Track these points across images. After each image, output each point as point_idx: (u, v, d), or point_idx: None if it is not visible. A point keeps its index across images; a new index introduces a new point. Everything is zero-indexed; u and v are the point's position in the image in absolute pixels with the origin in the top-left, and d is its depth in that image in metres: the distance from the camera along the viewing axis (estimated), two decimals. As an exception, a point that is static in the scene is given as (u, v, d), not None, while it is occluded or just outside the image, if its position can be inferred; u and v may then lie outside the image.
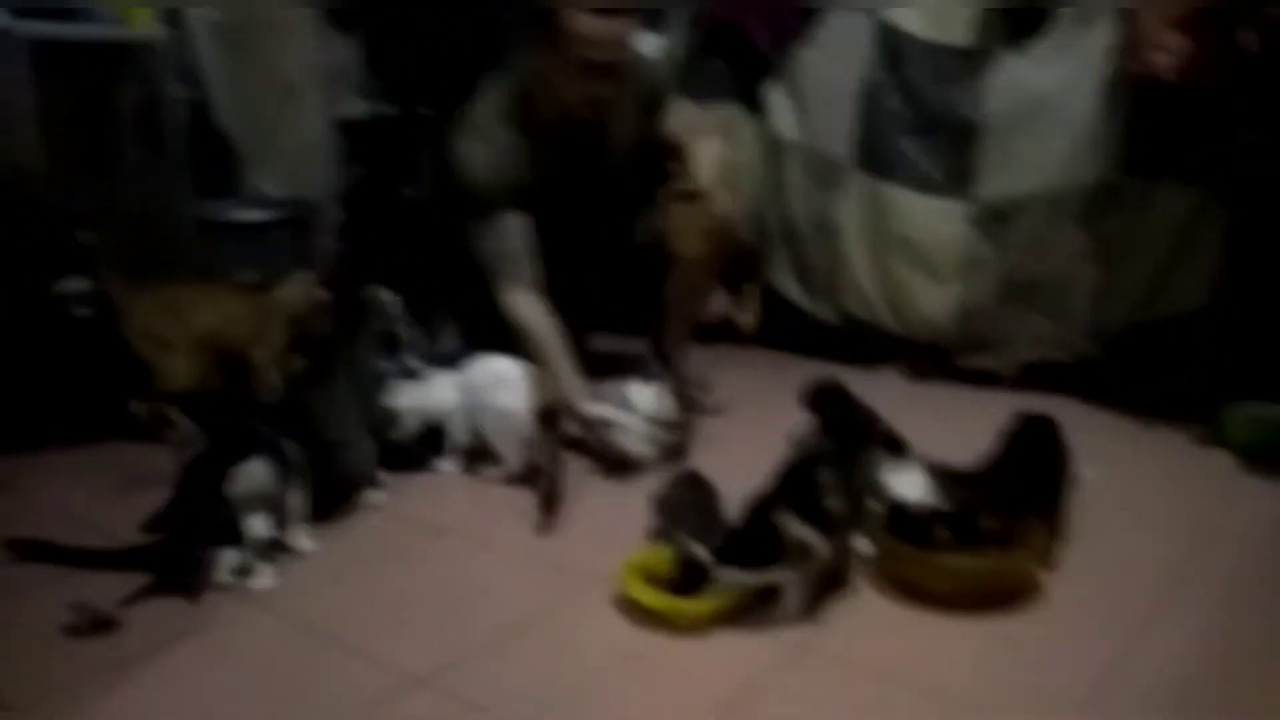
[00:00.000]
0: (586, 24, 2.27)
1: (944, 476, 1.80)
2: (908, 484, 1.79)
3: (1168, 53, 2.36)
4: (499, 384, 2.20)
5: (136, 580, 1.78)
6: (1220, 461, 2.30)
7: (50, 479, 2.31)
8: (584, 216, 2.57)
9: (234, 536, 1.79)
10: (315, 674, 1.54)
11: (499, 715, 1.43)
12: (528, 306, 2.40)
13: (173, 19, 3.22)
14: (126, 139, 2.93)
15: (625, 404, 2.27)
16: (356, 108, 3.98)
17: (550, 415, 2.15)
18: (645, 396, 2.27)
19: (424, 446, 2.31)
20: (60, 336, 2.48)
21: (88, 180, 2.78)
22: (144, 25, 3.06)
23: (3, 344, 2.46)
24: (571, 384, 2.32)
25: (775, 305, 3.19)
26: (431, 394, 2.30)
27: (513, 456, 2.19)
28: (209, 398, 2.10)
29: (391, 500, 2.15)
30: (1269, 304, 2.45)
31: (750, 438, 2.36)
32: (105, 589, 1.73)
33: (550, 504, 1.99)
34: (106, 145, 2.91)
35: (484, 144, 2.42)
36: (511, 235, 2.40)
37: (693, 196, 2.34)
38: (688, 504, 1.85)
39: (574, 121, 2.42)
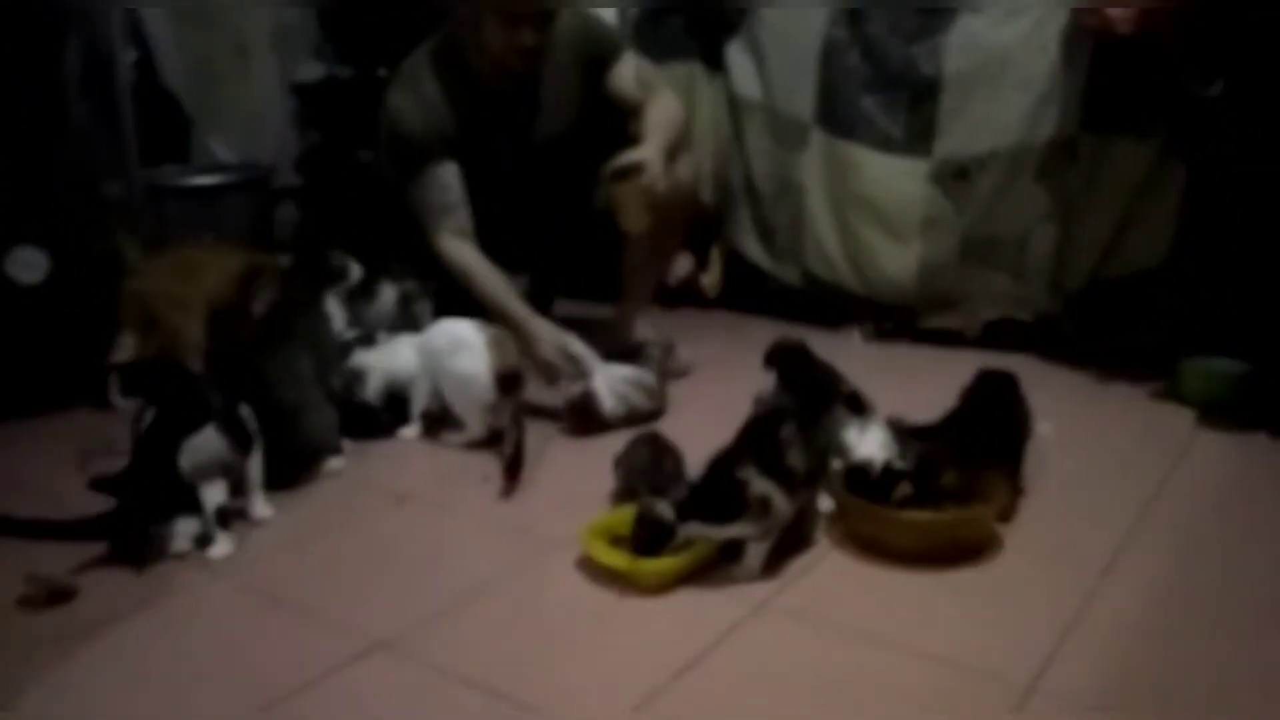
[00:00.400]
0: None
1: (905, 434, 1.81)
2: (870, 442, 1.80)
3: (1123, 5, 2.36)
4: (459, 348, 2.17)
5: (92, 550, 1.76)
6: (1177, 416, 2.33)
7: (6, 449, 2.27)
8: (534, 179, 2.54)
9: (191, 505, 1.77)
10: (273, 640, 1.53)
11: (461, 677, 1.42)
12: (462, 251, 2.38)
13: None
14: (71, 102, 2.85)
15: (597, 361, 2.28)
16: (311, 70, 3.90)
17: (511, 379, 2.13)
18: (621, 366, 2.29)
19: (387, 413, 2.29)
20: (11, 305, 2.43)
21: (33, 144, 2.70)
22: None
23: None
24: (525, 319, 2.31)
25: (737, 267, 3.18)
26: (394, 358, 2.28)
27: (474, 422, 2.17)
28: (161, 365, 2.05)
29: (352, 466, 2.13)
30: (1226, 259, 2.48)
31: (713, 399, 2.36)
32: (61, 559, 1.71)
33: (512, 469, 1.98)
34: (51, 108, 2.83)
35: (414, 94, 2.39)
36: (442, 185, 2.37)
37: (632, 171, 2.30)
38: (649, 464, 1.85)
39: (505, 72, 2.38)
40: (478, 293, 2.34)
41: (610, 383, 2.26)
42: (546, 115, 2.52)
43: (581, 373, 2.24)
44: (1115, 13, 2.37)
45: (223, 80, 3.59)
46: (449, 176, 2.37)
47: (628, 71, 2.54)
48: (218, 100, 3.54)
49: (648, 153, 2.31)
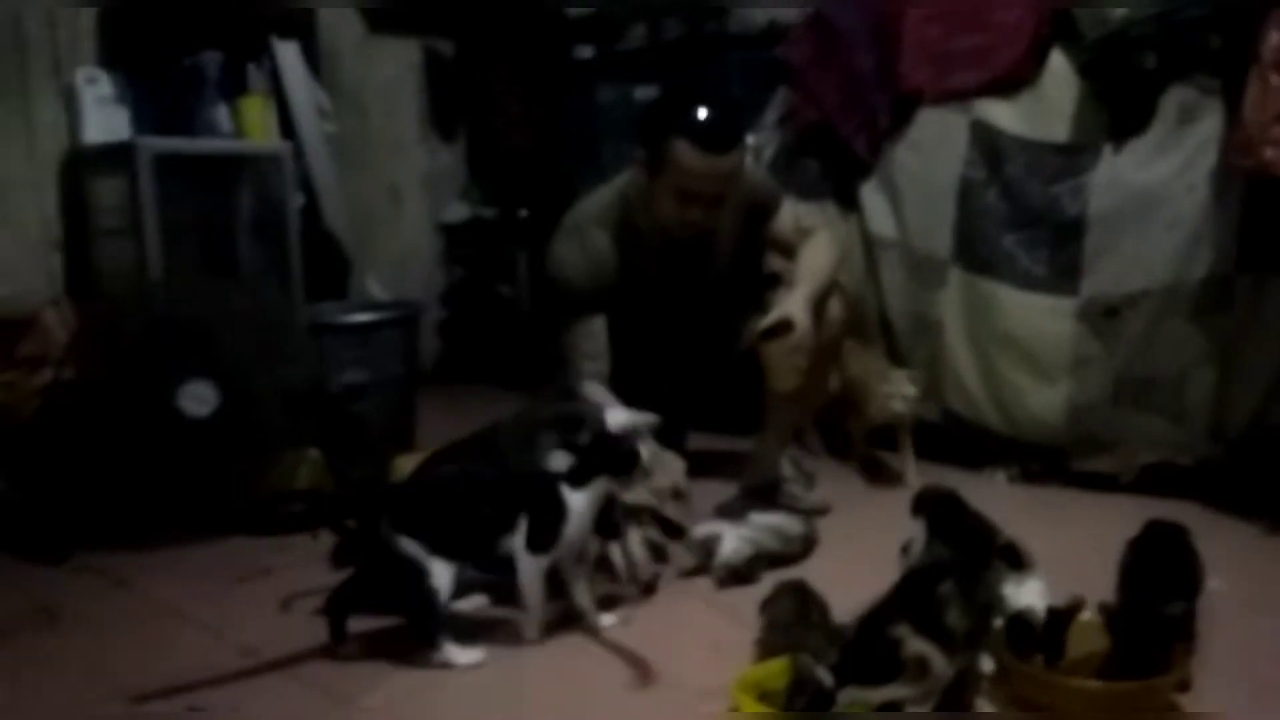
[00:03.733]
0: (692, 157, 2.28)
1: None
2: (1029, 592, 1.72)
3: (1277, 147, 2.30)
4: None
5: (255, 686, 1.80)
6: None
7: (167, 574, 2.38)
8: (684, 324, 2.59)
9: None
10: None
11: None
12: (597, 392, 2.40)
13: (287, 131, 3.39)
14: (244, 245, 3.07)
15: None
16: (457, 211, 4.12)
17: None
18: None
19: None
20: (179, 438, 2.58)
21: (206, 286, 2.90)
22: (263, 138, 3.24)
23: (125, 446, 2.56)
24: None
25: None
26: None
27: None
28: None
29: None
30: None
31: (854, 541, 2.33)
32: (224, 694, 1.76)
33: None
34: (224, 251, 3.06)
35: (580, 247, 2.46)
36: (592, 335, 2.43)
37: (780, 329, 2.31)
38: (794, 616, 1.81)
39: (669, 236, 2.45)
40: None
41: (738, 530, 2.23)
42: (708, 269, 2.57)
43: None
44: (1271, 155, 2.31)
45: (378, 222, 3.82)
46: (598, 327, 2.43)
47: (788, 218, 2.59)
48: (373, 240, 3.77)
49: (794, 308, 2.31)
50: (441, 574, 1.84)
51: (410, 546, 1.84)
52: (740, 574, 2.18)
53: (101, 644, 2.04)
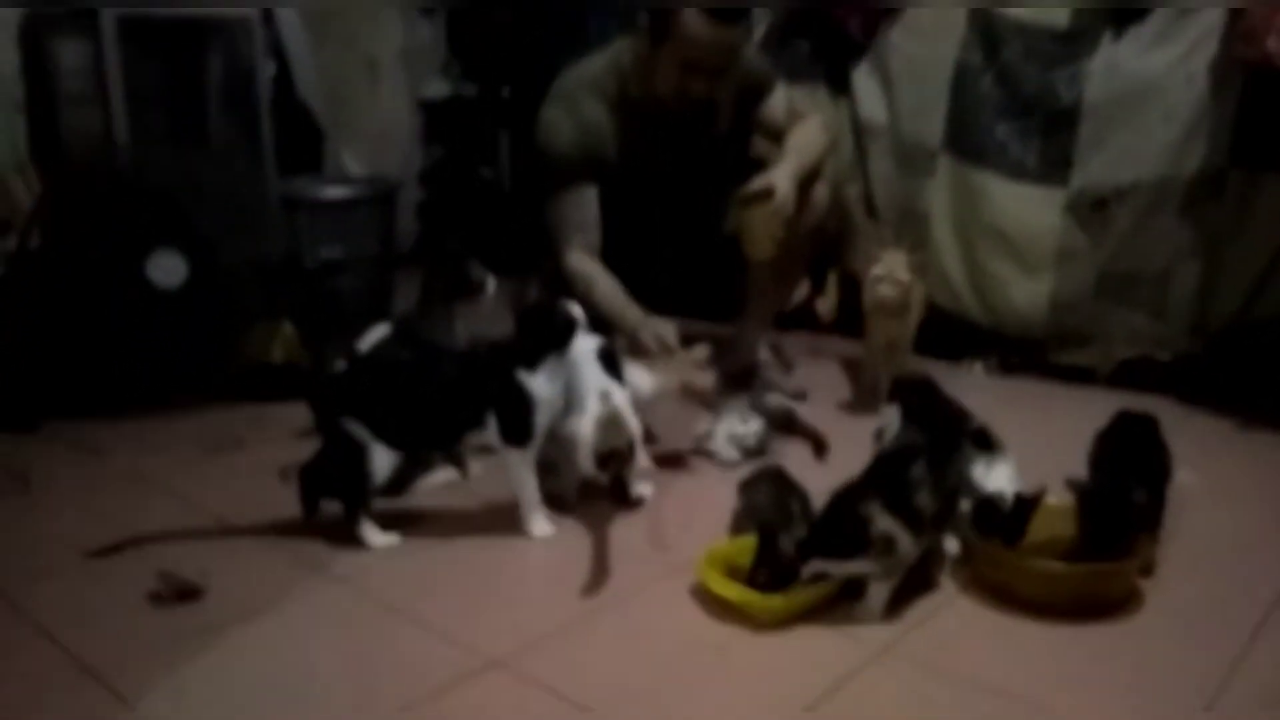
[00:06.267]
0: (700, 27, 2.24)
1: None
2: (998, 477, 1.72)
3: (1281, 38, 2.24)
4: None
5: (223, 551, 1.81)
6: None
7: (137, 443, 2.36)
8: (672, 200, 2.54)
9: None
10: (392, 652, 1.54)
11: (574, 701, 1.41)
12: (584, 263, 2.39)
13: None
14: (213, 115, 2.97)
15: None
16: (437, 88, 4.00)
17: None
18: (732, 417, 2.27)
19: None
20: (149, 308, 2.53)
21: (175, 155, 2.81)
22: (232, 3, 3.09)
23: (95, 315, 2.51)
24: (641, 321, 2.28)
25: (856, 293, 3.12)
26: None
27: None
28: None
29: (473, 482, 2.14)
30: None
31: (830, 427, 2.33)
32: (194, 558, 1.76)
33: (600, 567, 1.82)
34: (193, 121, 2.95)
35: (570, 114, 2.40)
36: (581, 204, 2.39)
37: (762, 197, 2.28)
38: (773, 503, 1.81)
39: (665, 109, 2.39)
40: (596, 298, 2.34)
41: (730, 429, 2.23)
42: (703, 144, 2.52)
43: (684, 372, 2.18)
44: (1275, 45, 2.25)
45: (354, 96, 3.70)
46: (589, 197, 2.39)
47: (779, 101, 2.53)
48: (349, 115, 3.65)
49: (778, 178, 2.29)
50: (380, 459, 1.83)
51: (353, 427, 1.83)
52: (751, 452, 2.21)
53: (70, 507, 2.05)
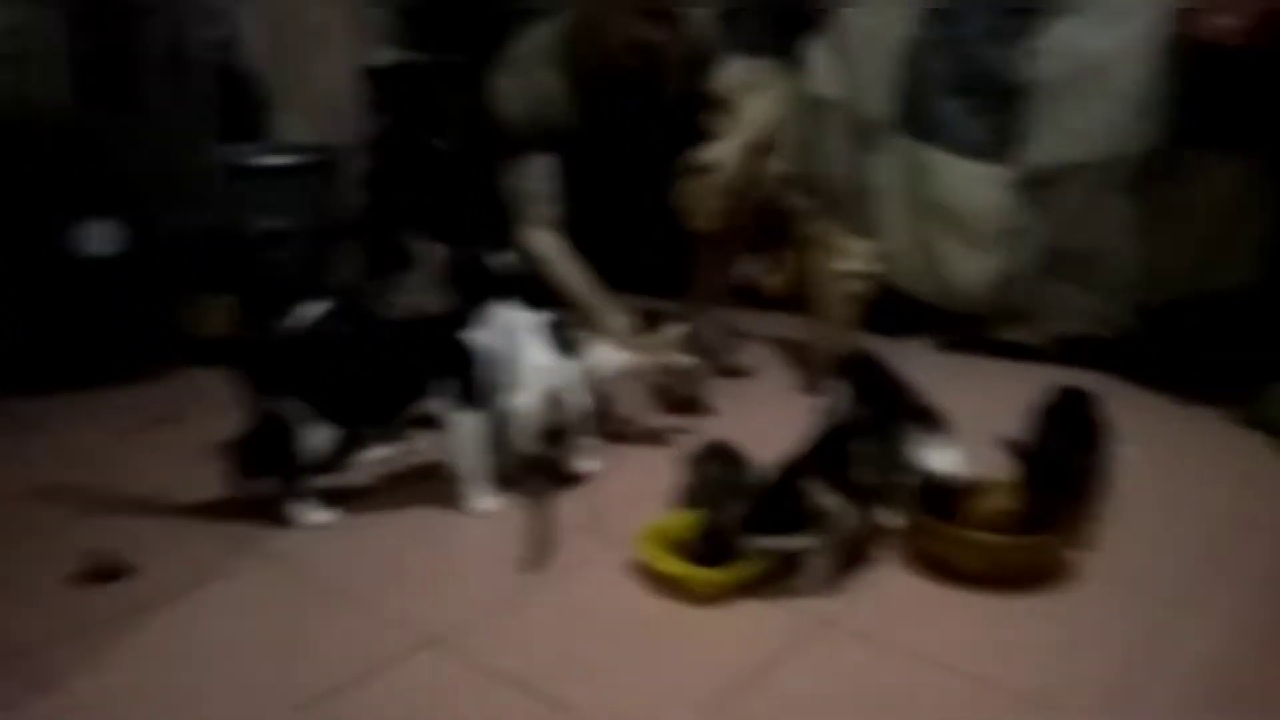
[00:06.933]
0: None
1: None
2: (941, 458, 1.74)
3: (1235, 15, 2.25)
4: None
5: (157, 528, 1.76)
6: (1259, 444, 2.22)
7: (72, 419, 2.30)
8: (622, 171, 2.51)
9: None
10: (326, 630, 1.52)
11: (506, 677, 1.40)
12: (544, 241, 2.37)
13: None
14: (151, 80, 2.88)
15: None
16: (385, 55, 3.91)
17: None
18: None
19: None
20: (82, 277, 2.46)
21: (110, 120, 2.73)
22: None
23: (23, 285, 2.44)
24: (600, 306, 2.28)
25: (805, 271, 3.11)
26: None
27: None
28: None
29: (412, 457, 2.10)
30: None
31: (775, 402, 2.33)
32: (122, 537, 1.72)
33: (541, 546, 1.79)
34: (130, 84, 2.87)
35: (524, 83, 2.38)
36: (540, 175, 2.37)
37: (705, 170, 2.27)
38: (718, 479, 1.81)
39: (619, 70, 2.36)
40: (556, 278, 2.32)
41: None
42: (654, 108, 2.49)
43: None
44: (1226, 21, 2.26)
45: (299, 62, 3.61)
46: (547, 168, 2.36)
47: (732, 74, 2.51)
48: (293, 82, 3.56)
49: (724, 151, 2.27)
50: (317, 435, 1.79)
51: (287, 404, 1.78)
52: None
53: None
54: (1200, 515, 1.90)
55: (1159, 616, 1.56)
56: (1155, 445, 2.09)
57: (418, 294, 2.41)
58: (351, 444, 1.92)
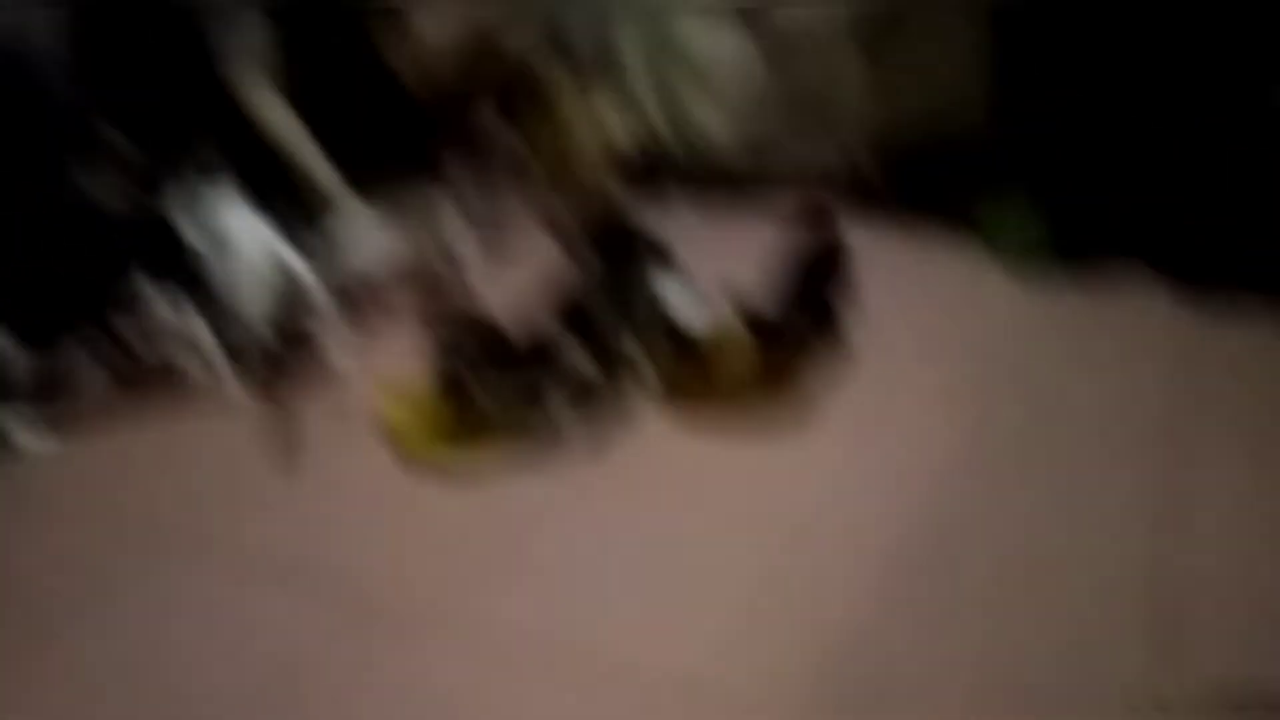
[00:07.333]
0: None
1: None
2: (684, 300, 1.75)
3: None
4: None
5: None
6: (990, 274, 2.35)
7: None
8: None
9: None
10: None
11: (271, 567, 1.33)
12: (272, 108, 2.19)
13: None
14: None
15: None
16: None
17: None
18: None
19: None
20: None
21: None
22: None
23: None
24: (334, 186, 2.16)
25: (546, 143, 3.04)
26: None
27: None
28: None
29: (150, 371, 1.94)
30: (1036, 121, 2.50)
31: (531, 272, 2.29)
32: None
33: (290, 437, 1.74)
34: None
35: None
36: (250, 31, 2.16)
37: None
38: (469, 348, 1.75)
39: None
40: (285, 144, 2.15)
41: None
42: None
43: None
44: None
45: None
46: (254, 26, 2.16)
47: None
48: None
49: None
50: (13, 360, 1.64)
51: None
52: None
53: None
54: (939, 350, 1.98)
55: (894, 455, 1.64)
56: (898, 285, 2.19)
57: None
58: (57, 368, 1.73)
